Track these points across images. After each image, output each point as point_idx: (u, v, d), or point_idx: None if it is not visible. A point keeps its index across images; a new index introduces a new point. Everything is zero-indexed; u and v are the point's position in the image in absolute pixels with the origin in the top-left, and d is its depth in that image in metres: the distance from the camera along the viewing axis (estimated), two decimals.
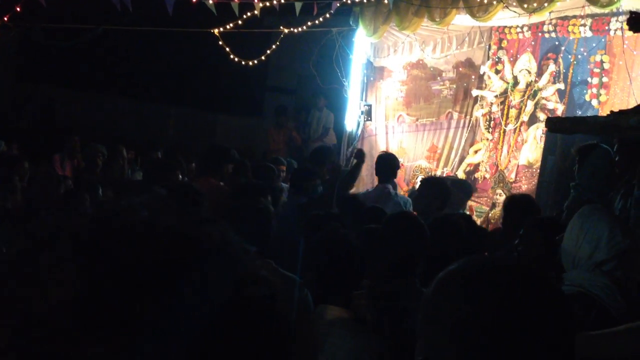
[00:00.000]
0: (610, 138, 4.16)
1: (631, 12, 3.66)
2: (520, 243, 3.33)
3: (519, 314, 1.07)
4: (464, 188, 7.57)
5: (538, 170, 7.43)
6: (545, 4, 7.29)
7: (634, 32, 3.73)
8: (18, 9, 6.14)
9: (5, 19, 6.45)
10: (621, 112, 3.68)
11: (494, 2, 7.58)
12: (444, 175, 9.85)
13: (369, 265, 3.28)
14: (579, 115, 6.09)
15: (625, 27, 3.80)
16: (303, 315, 3.06)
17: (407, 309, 2.95)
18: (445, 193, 5.46)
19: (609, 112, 3.73)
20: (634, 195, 3.84)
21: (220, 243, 1.44)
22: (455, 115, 10.39)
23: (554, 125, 4.19)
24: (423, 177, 9.62)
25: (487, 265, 1.16)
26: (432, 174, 9.98)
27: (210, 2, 6.92)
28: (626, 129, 3.36)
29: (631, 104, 8.11)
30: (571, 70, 9.07)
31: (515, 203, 4.67)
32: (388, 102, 10.72)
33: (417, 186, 8.96)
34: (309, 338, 2.92)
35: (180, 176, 6.72)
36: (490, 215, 8.80)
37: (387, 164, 6.54)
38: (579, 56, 8.98)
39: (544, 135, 7.64)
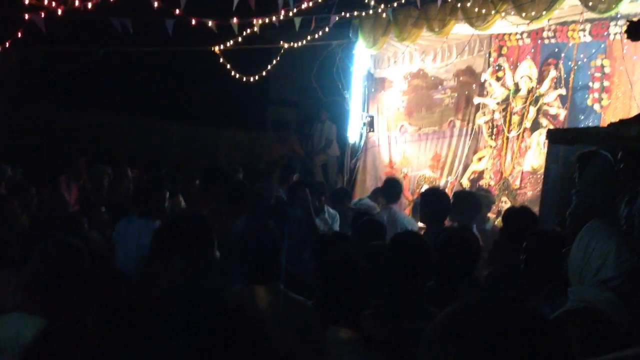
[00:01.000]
0: (612, 148, 4.16)
1: (629, 21, 3.66)
2: (525, 256, 3.33)
3: (520, 356, 1.07)
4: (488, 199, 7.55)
5: (542, 177, 7.43)
6: (544, 12, 7.32)
7: (633, 40, 3.74)
8: (19, 35, 6.17)
9: (7, 44, 6.48)
10: (622, 122, 3.68)
11: (492, 12, 7.59)
12: (448, 184, 9.86)
13: (376, 285, 3.29)
14: (580, 127, 6.08)
15: (624, 35, 3.80)
16: (312, 338, 3.07)
17: (415, 329, 2.96)
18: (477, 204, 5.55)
19: (609, 123, 3.72)
20: (637, 203, 3.83)
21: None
22: (458, 123, 10.40)
23: (555, 136, 4.20)
24: (427, 186, 9.64)
25: (490, 305, 1.17)
26: (436, 183, 9.98)
27: (210, 24, 6.95)
28: (627, 139, 3.36)
29: (633, 108, 8.13)
30: (572, 75, 9.07)
31: (514, 215, 4.67)
32: (390, 113, 10.74)
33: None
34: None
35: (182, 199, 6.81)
36: (496, 222, 8.78)
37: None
38: (580, 61, 8.98)
39: (547, 141, 7.65)
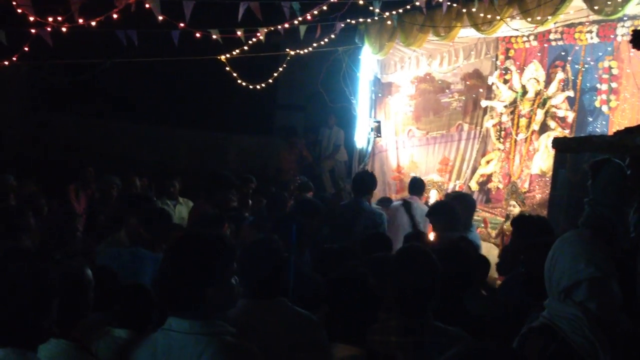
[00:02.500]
0: (619, 156, 4.15)
1: (633, 31, 3.65)
2: (525, 267, 3.32)
3: None
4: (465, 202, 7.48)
5: (550, 180, 7.40)
6: (549, 17, 7.28)
7: (639, 49, 3.72)
8: (26, 49, 6.22)
9: (15, 58, 6.53)
10: (627, 130, 3.66)
11: (498, 18, 7.56)
12: (457, 188, 9.83)
13: (383, 300, 3.29)
14: (585, 135, 6.07)
15: (630, 44, 3.79)
16: (318, 353, 3.07)
17: (422, 344, 2.96)
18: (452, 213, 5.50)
19: (615, 131, 3.71)
20: None
21: None
22: (466, 126, 10.39)
23: (561, 145, 4.18)
24: (435, 191, 9.62)
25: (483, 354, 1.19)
26: (445, 187, 9.96)
27: (215, 37, 6.97)
28: (633, 148, 3.34)
29: None
30: (580, 77, 9.04)
31: (526, 223, 4.64)
32: (397, 118, 10.73)
33: (430, 201, 9.00)
34: None
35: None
36: (505, 227, 8.75)
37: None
38: (587, 63, 8.95)
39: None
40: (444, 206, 5.76)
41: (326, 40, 9.06)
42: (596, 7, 6.97)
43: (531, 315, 3.19)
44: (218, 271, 2.43)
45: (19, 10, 5.66)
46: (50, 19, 5.72)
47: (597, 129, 8.75)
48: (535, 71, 9.44)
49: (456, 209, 5.66)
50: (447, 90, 10.54)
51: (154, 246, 4.47)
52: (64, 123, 13.77)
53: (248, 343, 2.47)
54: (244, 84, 9.87)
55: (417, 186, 7.98)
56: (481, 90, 10.27)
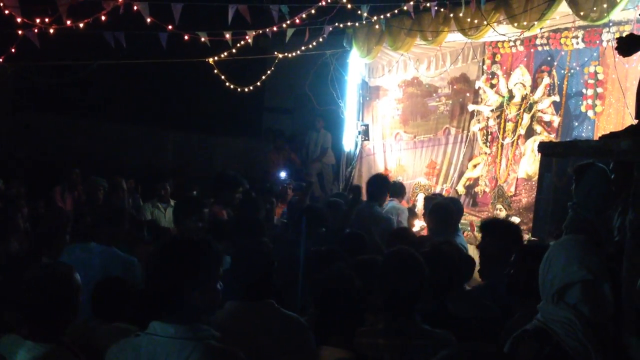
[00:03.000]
0: (604, 161, 4.18)
1: (617, 39, 3.68)
2: (511, 271, 3.35)
3: None
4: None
5: (537, 183, 7.45)
6: (535, 22, 7.34)
7: (624, 56, 3.74)
8: (13, 50, 6.18)
9: (1, 59, 6.49)
10: (612, 134, 3.68)
11: (485, 23, 7.61)
12: (444, 191, 9.88)
13: (370, 302, 3.30)
14: (571, 140, 6.11)
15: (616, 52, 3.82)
16: (306, 355, 3.08)
17: (409, 347, 2.97)
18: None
19: (600, 136, 3.74)
20: (627, 218, 3.84)
21: None
22: (453, 130, 10.45)
23: (547, 150, 4.20)
24: (422, 194, 9.64)
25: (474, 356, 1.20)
26: (432, 191, 10.00)
27: (203, 39, 6.96)
28: (618, 153, 3.37)
29: (627, 114, 8.16)
30: (566, 82, 9.11)
31: (496, 226, 4.67)
32: (385, 121, 10.76)
33: (417, 203, 9.04)
34: None
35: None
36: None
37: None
38: (573, 69, 9.02)
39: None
40: (441, 208, 5.78)
41: (314, 43, 9.09)
42: (582, 13, 7.03)
43: (516, 315, 3.22)
44: (204, 275, 2.42)
45: (6, 12, 5.63)
46: (37, 20, 5.70)
47: (582, 134, 8.83)
48: (521, 76, 9.51)
49: (453, 212, 5.72)
50: (434, 94, 10.59)
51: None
52: (50, 125, 13.66)
53: (233, 347, 2.47)
54: (231, 86, 9.86)
55: (396, 189, 8.09)
56: (468, 94, 10.34)
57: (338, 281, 3.02)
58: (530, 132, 9.44)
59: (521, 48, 9.57)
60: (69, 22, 5.57)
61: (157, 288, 2.39)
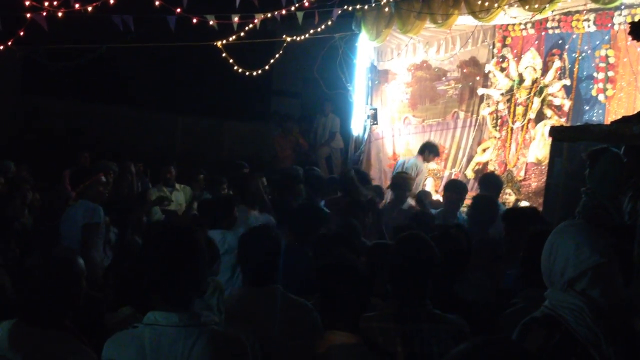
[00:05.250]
0: (616, 145, 4.15)
1: (630, 23, 3.64)
2: (524, 256, 3.33)
3: None
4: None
5: (547, 169, 7.41)
6: (546, 5, 7.28)
7: (638, 40, 3.71)
8: (21, 33, 6.18)
9: (9, 43, 6.49)
10: (624, 119, 3.66)
11: (496, 5, 7.54)
12: (452, 176, 9.84)
13: (379, 286, 3.30)
14: (582, 124, 6.06)
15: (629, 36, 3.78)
16: (313, 340, 3.08)
17: (420, 331, 2.97)
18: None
19: (611, 121, 3.70)
20: (639, 202, 3.82)
21: None
22: (462, 114, 10.37)
23: (558, 134, 4.18)
24: (431, 179, 9.63)
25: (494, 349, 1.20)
26: (440, 175, 9.97)
27: (211, 22, 6.93)
28: (630, 137, 3.34)
29: (638, 98, 8.11)
30: (577, 66, 9.04)
31: (518, 215, 4.67)
32: (393, 105, 10.71)
33: (426, 188, 9.03)
34: None
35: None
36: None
37: None
38: (584, 52, 8.94)
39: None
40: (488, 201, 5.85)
41: (323, 27, 9.03)
42: None
43: (514, 301, 3.21)
44: (201, 264, 2.44)
45: None
46: (46, 4, 5.68)
47: (593, 118, 8.77)
48: (532, 59, 9.42)
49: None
50: (443, 78, 10.51)
51: None
52: (59, 108, 13.69)
53: (235, 331, 2.49)
54: (240, 70, 9.83)
55: (430, 147, 9.07)
56: (478, 78, 10.25)
57: (341, 265, 3.01)
58: (540, 116, 9.37)
59: (532, 31, 9.47)
60: (77, 5, 5.55)
61: (160, 278, 2.39)
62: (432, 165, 10.12)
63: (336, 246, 3.74)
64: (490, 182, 7.20)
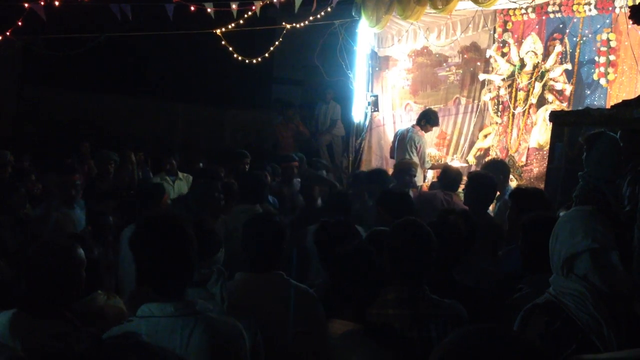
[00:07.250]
0: (615, 129, 4.14)
1: (630, 7, 3.62)
2: (523, 241, 3.33)
3: None
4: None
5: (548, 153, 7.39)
6: None
7: (638, 24, 3.69)
8: (20, 23, 6.16)
9: (8, 33, 6.47)
10: (625, 103, 3.65)
11: None
12: (453, 161, 9.82)
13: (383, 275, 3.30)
14: (582, 109, 6.02)
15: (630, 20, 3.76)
16: (316, 326, 3.09)
17: (418, 316, 2.97)
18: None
19: (611, 105, 3.69)
20: (637, 187, 3.81)
21: None
22: (463, 100, 10.34)
23: (559, 119, 4.17)
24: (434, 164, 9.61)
25: (485, 337, 1.20)
26: (443, 161, 9.95)
27: (209, 10, 6.90)
28: (630, 121, 3.34)
29: (639, 82, 8.06)
30: (578, 50, 8.99)
31: (524, 195, 4.65)
32: (394, 91, 10.67)
33: (427, 175, 9.02)
34: (321, 350, 2.95)
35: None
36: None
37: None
38: (585, 36, 8.90)
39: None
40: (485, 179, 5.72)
41: (322, 13, 8.99)
42: None
43: (520, 286, 3.21)
44: (191, 253, 2.44)
45: None
46: None
47: (595, 102, 8.73)
48: (533, 44, 9.37)
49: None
50: (444, 64, 10.47)
51: None
52: (58, 98, 13.67)
53: (231, 317, 2.51)
54: (240, 58, 9.80)
55: (429, 116, 8.97)
56: (479, 63, 10.21)
57: (358, 255, 3.01)
58: (541, 101, 9.33)
59: (533, 15, 9.42)
60: None
61: (144, 268, 2.39)
62: (434, 151, 10.11)
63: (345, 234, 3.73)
64: (497, 167, 7.07)
